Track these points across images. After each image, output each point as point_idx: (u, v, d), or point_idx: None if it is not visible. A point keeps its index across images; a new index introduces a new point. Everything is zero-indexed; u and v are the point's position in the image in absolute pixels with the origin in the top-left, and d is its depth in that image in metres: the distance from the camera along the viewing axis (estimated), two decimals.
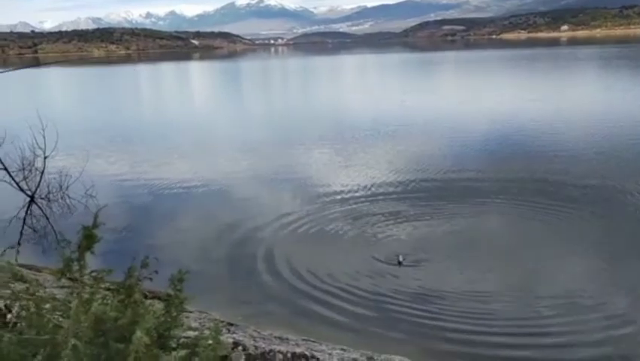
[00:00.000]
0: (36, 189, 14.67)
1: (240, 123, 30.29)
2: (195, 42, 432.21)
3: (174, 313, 2.99)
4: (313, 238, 11.29)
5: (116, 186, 16.25)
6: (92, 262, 2.96)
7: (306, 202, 13.58)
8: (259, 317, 7.87)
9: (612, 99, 31.80)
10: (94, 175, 15.86)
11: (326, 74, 79.91)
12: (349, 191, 14.39)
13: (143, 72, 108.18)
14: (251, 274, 9.71)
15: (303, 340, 6.00)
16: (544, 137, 20.54)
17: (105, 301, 2.80)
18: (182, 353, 2.71)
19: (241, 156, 20.09)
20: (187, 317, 5.69)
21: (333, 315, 8.07)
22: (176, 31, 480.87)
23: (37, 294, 2.83)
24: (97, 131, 27.14)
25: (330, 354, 5.08)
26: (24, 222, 13.23)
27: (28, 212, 13.91)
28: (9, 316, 3.81)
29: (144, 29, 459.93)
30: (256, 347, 4.80)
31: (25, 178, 14.68)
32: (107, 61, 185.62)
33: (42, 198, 14.59)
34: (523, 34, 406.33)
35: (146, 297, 3.03)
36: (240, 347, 4.73)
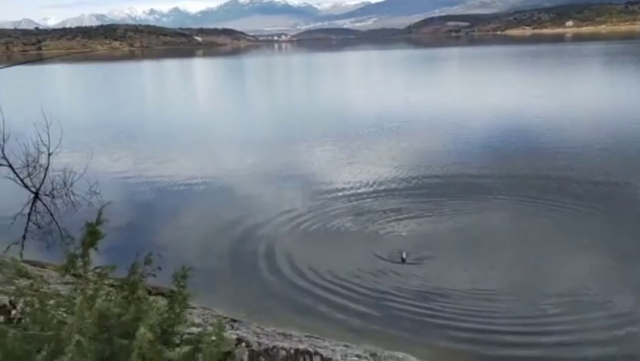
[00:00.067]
0: (40, 186, 14.71)
1: (244, 120, 30.30)
2: (199, 39, 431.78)
3: (178, 310, 3.00)
4: (316, 234, 11.30)
5: (119, 183, 16.29)
6: (95, 258, 2.97)
7: (309, 199, 13.59)
8: (263, 313, 7.89)
9: (617, 95, 31.67)
10: (98, 172, 15.88)
11: (330, 71, 79.82)
12: (352, 188, 14.39)
13: (147, 69, 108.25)
14: (254, 270, 9.73)
15: (307, 336, 6.01)
16: (549, 133, 20.47)
17: (109, 297, 2.81)
18: (186, 349, 2.72)
19: (244, 152, 20.11)
20: (190, 314, 5.70)
21: (337, 312, 8.07)
22: (179, 28, 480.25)
23: (41, 290, 2.84)
24: (101, 128, 27.23)
25: (333, 350, 5.09)
26: (28, 219, 13.28)
27: (33, 208, 13.96)
28: (13, 312, 3.83)
29: (147, 26, 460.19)
30: (259, 344, 4.81)
31: (29, 175, 14.74)
32: (111, 57, 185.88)
33: (46, 195, 14.64)
34: (527, 31, 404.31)
35: (149, 293, 3.04)
36: (244, 344, 4.75)
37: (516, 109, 27.23)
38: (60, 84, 72.27)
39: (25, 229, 12.56)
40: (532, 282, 8.71)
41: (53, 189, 14.76)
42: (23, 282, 2.96)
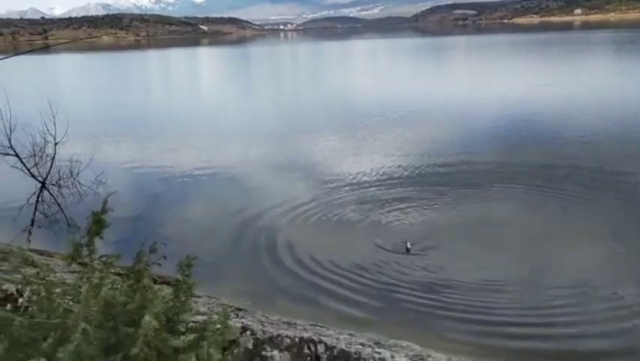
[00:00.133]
0: (47, 176, 14.79)
1: (249, 110, 30.26)
2: (204, 28, 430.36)
3: (183, 298, 3.01)
4: (321, 224, 11.32)
5: (125, 172, 16.36)
6: (101, 247, 2.99)
7: (315, 189, 13.60)
8: (267, 302, 7.94)
9: (626, 84, 31.34)
10: (104, 162, 15.95)
11: (336, 60, 79.43)
12: (357, 177, 14.38)
13: (153, 58, 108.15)
14: (259, 260, 9.77)
15: (311, 325, 6.05)
16: (556, 123, 20.35)
17: (114, 286, 2.84)
18: (191, 337, 2.74)
19: (250, 142, 20.12)
20: (196, 302, 5.74)
21: (341, 301, 8.11)
22: (185, 17, 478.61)
23: (47, 279, 2.87)
24: (106, 118, 27.30)
25: (337, 339, 5.12)
26: (35, 208, 13.37)
27: (40, 198, 14.04)
28: (20, 300, 3.87)
29: (153, 15, 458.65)
30: (264, 332, 4.84)
31: (36, 164, 14.81)
32: (117, 47, 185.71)
33: (53, 185, 14.71)
34: (535, 19, 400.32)
35: (155, 282, 3.06)
36: (249, 332, 4.78)
37: (523, 98, 27.01)
38: (66, 73, 72.35)
39: (32, 219, 12.65)
40: (539, 272, 8.68)
41: (60, 179, 14.83)
42: (30, 271, 2.98)
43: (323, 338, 4.90)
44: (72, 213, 12.30)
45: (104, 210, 2.97)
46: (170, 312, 2.89)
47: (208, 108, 32.26)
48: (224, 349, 2.84)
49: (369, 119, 23.07)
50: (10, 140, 14.79)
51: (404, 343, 5.53)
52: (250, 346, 4.65)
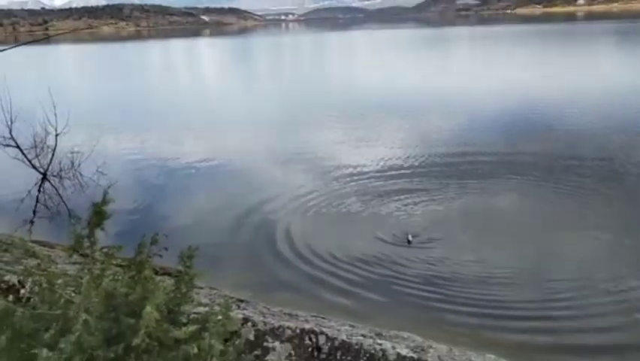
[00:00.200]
0: (48, 167, 14.79)
1: (251, 102, 30.18)
2: (205, 18, 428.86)
3: (184, 290, 3.02)
4: (323, 215, 11.32)
5: (126, 164, 16.36)
6: (102, 238, 2.99)
7: (316, 180, 13.59)
8: (269, 293, 7.95)
9: (631, 75, 31.17)
10: (105, 153, 15.96)
11: (337, 52, 79.11)
12: (359, 169, 14.37)
13: (154, 49, 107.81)
14: (261, 251, 9.79)
15: (312, 316, 6.06)
16: (560, 114, 20.25)
17: (116, 277, 2.84)
18: (193, 328, 2.75)
19: (252, 134, 20.10)
20: (197, 293, 5.75)
21: (342, 292, 8.13)
22: (185, 8, 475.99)
23: (49, 270, 2.88)
24: (108, 109, 27.23)
25: (338, 330, 5.13)
26: (37, 200, 13.38)
27: (41, 189, 14.05)
28: (22, 291, 3.88)
29: (154, 5, 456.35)
30: (265, 323, 4.86)
31: (37, 156, 14.81)
32: (117, 37, 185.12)
33: (54, 176, 14.71)
34: (537, 9, 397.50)
35: (156, 273, 3.06)
36: (250, 323, 4.79)
37: (526, 90, 26.86)
38: (66, 64, 72.20)
39: (34, 210, 12.67)
40: (540, 264, 8.68)
41: (61, 170, 14.83)
42: (31, 262, 2.99)
43: (324, 330, 4.91)
44: (73, 204, 12.30)
45: (104, 202, 2.96)
46: (172, 303, 2.89)
47: (211, 99, 32.19)
48: (225, 340, 2.85)
49: (370, 112, 23.03)
50: (11, 131, 14.79)
51: (405, 334, 5.55)
52: (251, 337, 4.66)
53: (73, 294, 2.72)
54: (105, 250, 2.96)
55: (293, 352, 4.60)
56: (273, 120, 22.64)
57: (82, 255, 2.94)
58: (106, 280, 2.71)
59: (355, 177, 13.66)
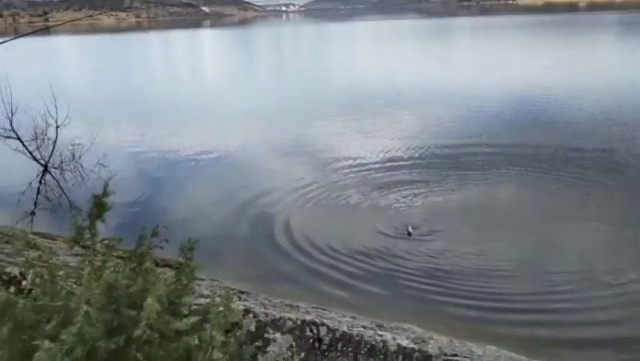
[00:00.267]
0: (49, 159, 14.79)
1: (251, 93, 30.11)
2: (206, 9, 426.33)
3: (185, 281, 3.02)
4: (323, 207, 11.33)
5: (127, 156, 16.35)
6: (103, 230, 2.99)
7: (317, 172, 13.59)
8: (270, 284, 7.98)
9: (633, 67, 31.05)
10: (106, 145, 15.94)
11: (338, 43, 78.75)
12: (359, 160, 14.36)
13: (154, 40, 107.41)
14: (262, 243, 9.81)
15: (313, 308, 6.08)
16: (561, 105, 20.20)
17: (117, 269, 2.84)
18: (194, 319, 2.75)
19: (253, 126, 20.05)
20: (198, 285, 5.77)
21: (343, 284, 8.14)
22: None
23: (50, 261, 2.88)
24: (108, 100, 27.18)
25: (339, 322, 5.15)
26: (38, 192, 13.39)
27: (42, 181, 14.06)
28: (24, 283, 3.90)
29: None
30: (266, 314, 4.88)
31: (38, 148, 14.82)
32: (118, 29, 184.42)
33: (55, 168, 14.72)
34: (539, 0, 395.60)
35: (157, 265, 3.06)
36: (251, 314, 4.81)
37: (529, 81, 26.73)
38: (66, 56, 71.97)
39: (35, 202, 12.69)
40: (541, 257, 8.67)
41: (62, 162, 14.84)
42: (33, 253, 3.00)
43: (325, 321, 4.93)
44: (74, 196, 12.31)
45: (105, 194, 2.96)
46: (173, 295, 2.90)
47: (213, 91, 32.12)
48: (226, 331, 2.86)
49: (371, 103, 22.94)
50: (11, 123, 14.79)
51: (406, 325, 5.57)
52: (252, 328, 4.68)
53: (74, 286, 2.72)
54: (106, 241, 2.96)
55: (294, 343, 4.62)
56: (273, 112, 22.58)
57: (83, 247, 2.95)
58: (107, 271, 2.72)
59: (355, 169, 13.65)
